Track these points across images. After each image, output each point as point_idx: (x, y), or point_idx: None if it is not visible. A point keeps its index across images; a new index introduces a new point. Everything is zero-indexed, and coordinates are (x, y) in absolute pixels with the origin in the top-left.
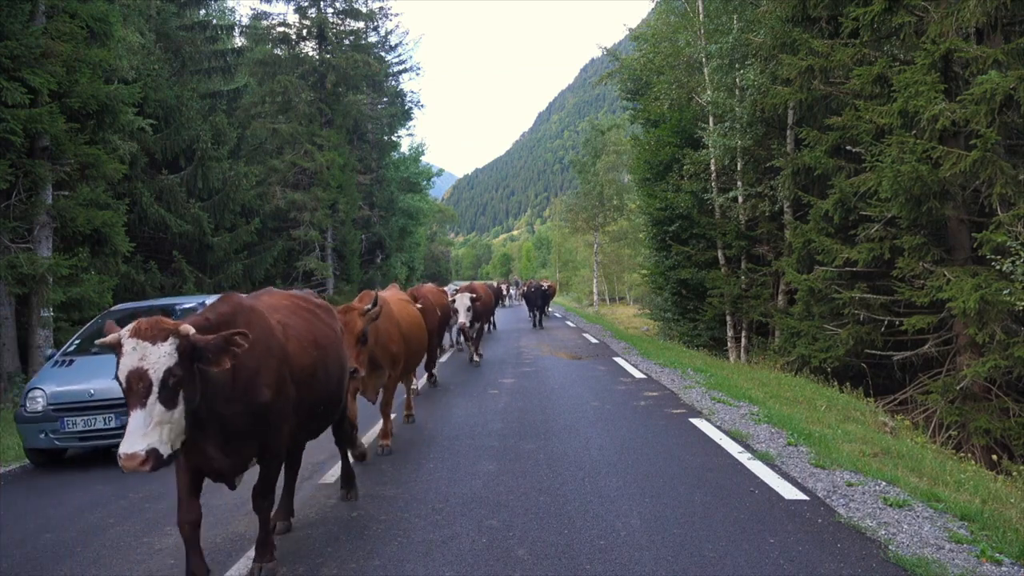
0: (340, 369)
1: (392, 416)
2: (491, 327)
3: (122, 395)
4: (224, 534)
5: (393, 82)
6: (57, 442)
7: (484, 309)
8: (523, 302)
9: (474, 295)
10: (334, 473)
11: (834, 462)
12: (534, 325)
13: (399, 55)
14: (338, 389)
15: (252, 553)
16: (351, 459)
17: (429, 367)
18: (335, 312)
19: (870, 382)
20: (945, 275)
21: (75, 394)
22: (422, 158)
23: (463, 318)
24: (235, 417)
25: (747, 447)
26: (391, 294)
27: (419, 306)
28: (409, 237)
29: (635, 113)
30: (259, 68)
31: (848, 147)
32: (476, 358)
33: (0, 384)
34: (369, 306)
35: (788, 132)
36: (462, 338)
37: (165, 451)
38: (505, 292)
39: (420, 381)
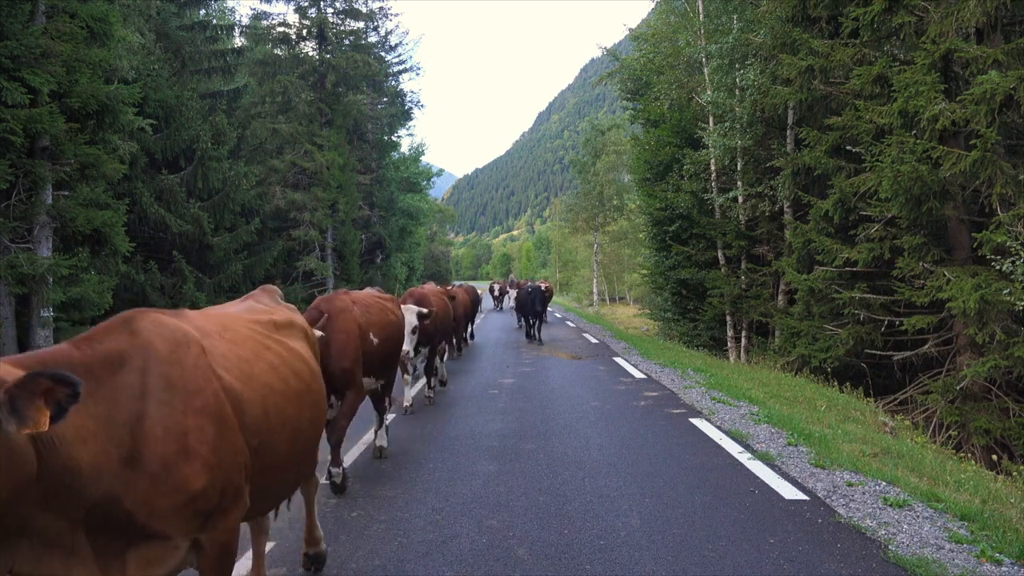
0: None
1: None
2: (467, 340)
3: None
4: None
5: (393, 82)
6: None
7: (439, 328)
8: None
9: (423, 310)
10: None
11: (834, 462)
12: (529, 337)
13: (399, 55)
14: None
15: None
16: None
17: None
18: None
19: (870, 382)
20: (945, 275)
21: None
22: (422, 158)
23: (404, 344)
24: None
25: (747, 447)
26: (242, 313)
27: (318, 332)
28: (409, 237)
29: (635, 113)
30: (259, 68)
31: (848, 147)
32: (428, 393)
33: None
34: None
35: (788, 132)
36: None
37: None
38: (497, 293)
39: (356, 448)
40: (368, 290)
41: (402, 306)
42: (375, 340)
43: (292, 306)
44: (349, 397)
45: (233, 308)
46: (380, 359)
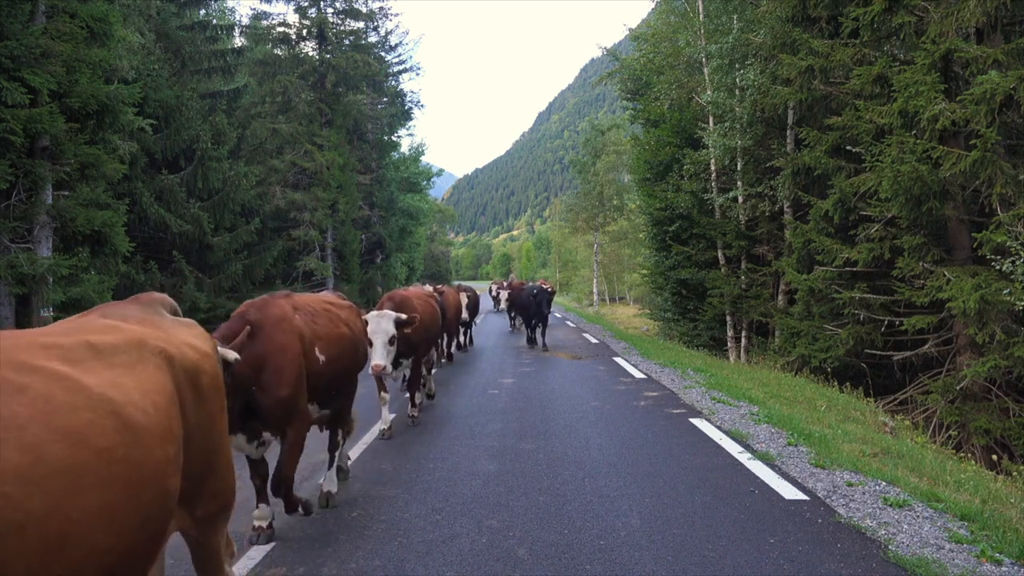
0: None
1: None
2: (466, 344)
3: None
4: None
5: (393, 82)
6: None
7: (423, 336)
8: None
9: (404, 316)
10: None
11: (834, 462)
12: (530, 341)
13: (399, 55)
14: None
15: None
16: None
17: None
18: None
19: (870, 382)
20: (945, 275)
21: None
22: (422, 158)
23: (379, 357)
24: None
25: (747, 447)
26: (42, 336)
27: (227, 356)
28: (409, 237)
29: (635, 113)
30: (259, 68)
31: (848, 147)
32: (412, 412)
33: None
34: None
35: (788, 132)
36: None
37: None
38: (495, 295)
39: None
40: (325, 293)
41: (378, 311)
42: (321, 357)
43: (190, 321)
44: (290, 434)
45: (57, 326)
46: (326, 381)
